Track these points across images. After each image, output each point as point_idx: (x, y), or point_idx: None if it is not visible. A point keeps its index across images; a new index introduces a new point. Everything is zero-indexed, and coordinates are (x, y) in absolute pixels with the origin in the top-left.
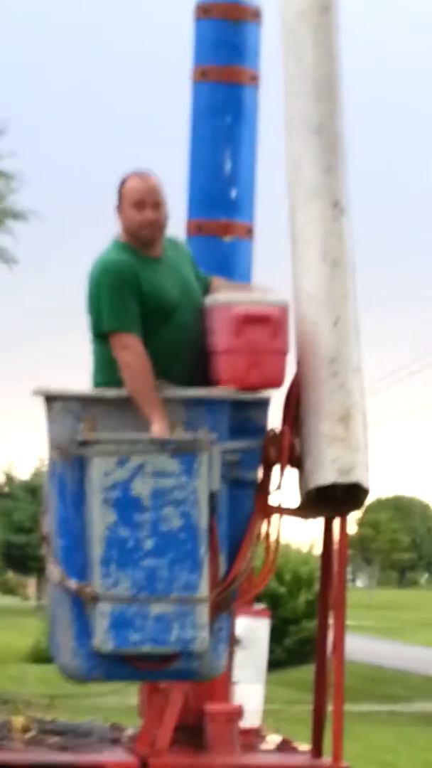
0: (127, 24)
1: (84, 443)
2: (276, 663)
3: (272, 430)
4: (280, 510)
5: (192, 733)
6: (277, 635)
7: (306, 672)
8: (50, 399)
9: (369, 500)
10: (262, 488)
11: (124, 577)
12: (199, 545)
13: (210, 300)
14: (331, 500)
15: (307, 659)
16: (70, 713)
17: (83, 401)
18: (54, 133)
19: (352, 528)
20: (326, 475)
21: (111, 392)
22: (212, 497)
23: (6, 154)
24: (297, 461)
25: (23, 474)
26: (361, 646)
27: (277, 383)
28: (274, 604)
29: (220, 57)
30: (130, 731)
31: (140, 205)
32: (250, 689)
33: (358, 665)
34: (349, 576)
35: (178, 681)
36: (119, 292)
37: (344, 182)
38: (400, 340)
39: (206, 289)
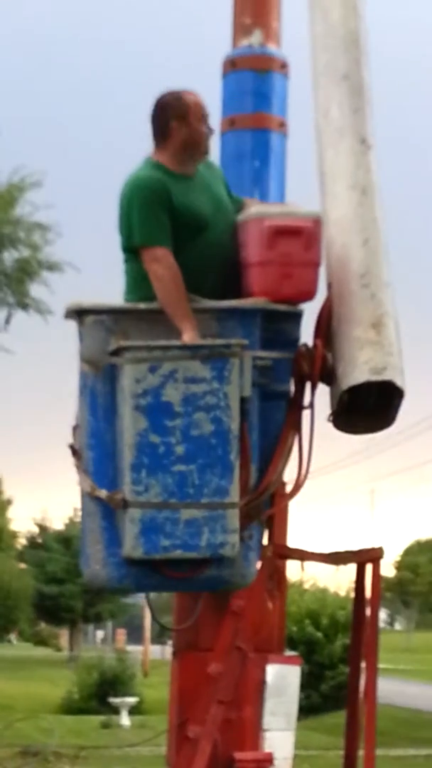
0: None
1: (116, 351)
2: (312, 708)
3: (304, 344)
4: (312, 424)
5: None
6: (313, 680)
7: (343, 717)
8: (82, 313)
9: (407, 543)
10: (295, 402)
11: (154, 482)
12: (230, 450)
13: (243, 214)
14: (365, 418)
15: (344, 704)
16: (99, 765)
17: (115, 314)
18: (90, 185)
19: (390, 571)
20: (359, 375)
21: (142, 305)
22: (243, 403)
23: (42, 205)
24: (329, 375)
25: (57, 524)
26: (399, 690)
27: (309, 295)
28: (311, 649)
29: (247, 105)
30: None
31: (206, 118)
32: (280, 736)
33: (395, 709)
34: (387, 619)
35: (209, 590)
36: (150, 207)
37: (371, 123)
38: None
39: (239, 210)
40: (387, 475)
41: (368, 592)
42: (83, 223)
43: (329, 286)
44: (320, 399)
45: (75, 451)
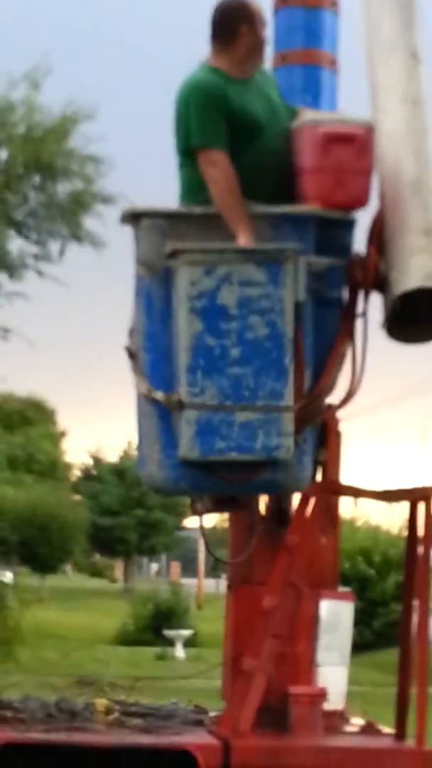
0: None
1: (171, 254)
2: (365, 645)
3: (357, 252)
4: (366, 332)
5: (275, 715)
6: (365, 618)
7: (395, 655)
8: (137, 217)
9: None
10: (348, 310)
11: (210, 384)
12: (285, 354)
13: (297, 121)
14: (418, 327)
15: (396, 642)
16: (154, 696)
17: (170, 218)
18: (143, 117)
19: None
20: (411, 281)
21: (198, 208)
22: (298, 307)
23: (95, 137)
24: (382, 283)
25: (111, 457)
26: None
27: (362, 202)
28: (363, 586)
29: (298, 41)
30: (213, 714)
31: (266, 26)
32: (334, 672)
33: None
34: None
35: (265, 492)
36: (207, 110)
37: (421, 37)
38: None
39: (293, 117)
40: None
41: (420, 530)
42: (137, 155)
43: (381, 196)
44: (374, 311)
45: (131, 354)
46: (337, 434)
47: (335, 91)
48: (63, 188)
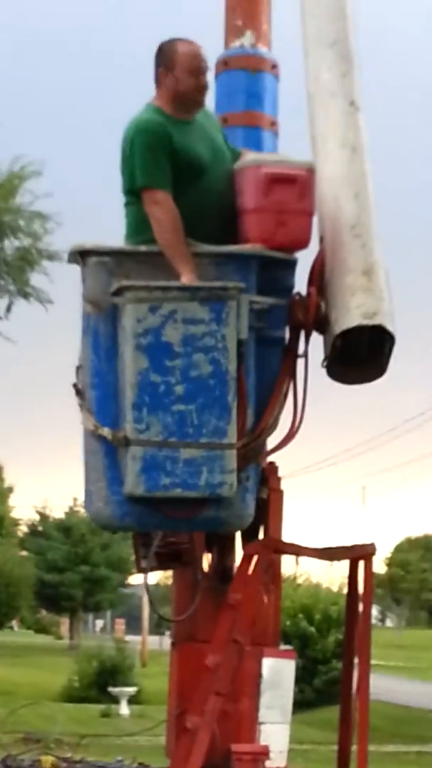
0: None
1: (117, 291)
2: (306, 703)
3: (298, 293)
4: (306, 373)
5: None
6: (306, 675)
7: (336, 712)
8: (84, 254)
9: (397, 540)
10: (290, 350)
11: (155, 421)
12: (228, 391)
13: (239, 162)
14: (357, 369)
15: (337, 699)
16: (100, 753)
17: (117, 256)
18: (90, 173)
19: (381, 568)
20: (351, 319)
21: (143, 247)
22: (240, 345)
23: (42, 194)
24: (323, 323)
25: (58, 513)
26: (390, 687)
27: (303, 243)
28: (304, 643)
29: (239, 104)
30: None
31: (197, 71)
32: (276, 729)
33: (386, 705)
34: (378, 616)
35: (208, 530)
36: (152, 150)
37: (359, 86)
38: (426, 379)
39: (236, 159)
40: (378, 473)
41: (361, 588)
42: (83, 211)
43: (321, 239)
44: (315, 352)
45: (78, 391)
46: (279, 492)
47: (276, 151)
48: (10, 245)
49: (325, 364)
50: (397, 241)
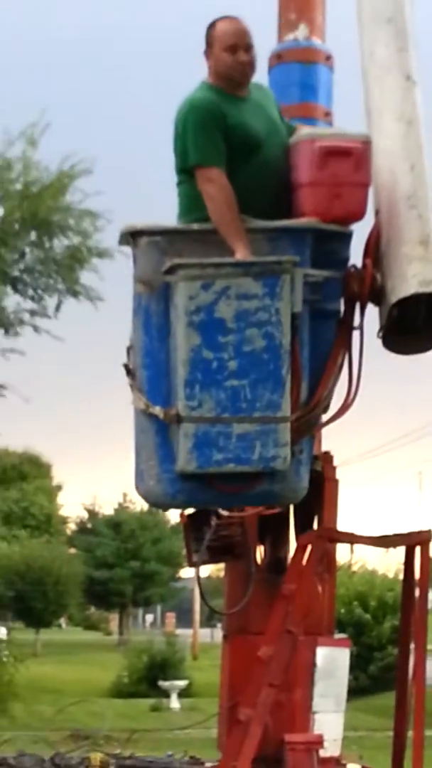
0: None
1: (169, 270)
2: (361, 690)
3: (354, 265)
4: (362, 345)
5: (272, 763)
6: (362, 662)
7: (391, 699)
8: (136, 234)
9: None
10: (345, 322)
11: (207, 397)
12: (282, 365)
13: (294, 136)
14: (414, 339)
15: (393, 686)
16: (150, 748)
17: (169, 235)
18: (141, 172)
19: None
20: (408, 287)
21: (196, 225)
22: (294, 319)
23: (92, 192)
24: (378, 295)
25: (106, 510)
26: None
27: (359, 215)
28: (359, 630)
29: (294, 96)
30: (208, 764)
31: (233, 48)
32: (330, 718)
33: None
34: None
35: (262, 504)
36: (205, 128)
37: (415, 62)
38: None
39: (291, 134)
40: None
41: (417, 574)
42: (133, 210)
43: (377, 212)
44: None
45: (129, 371)
46: (334, 481)
47: None
48: (59, 243)
49: (380, 334)
50: None
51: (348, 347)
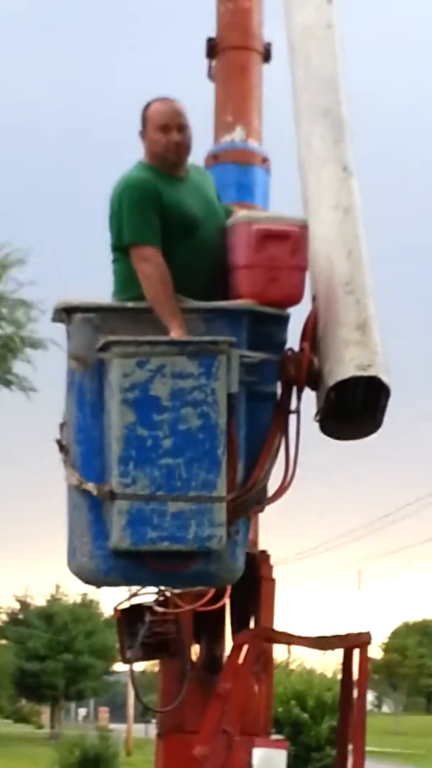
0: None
1: (104, 347)
2: None
3: (291, 348)
4: (298, 426)
5: None
6: (299, 763)
7: None
8: (70, 311)
9: (395, 626)
10: (281, 406)
11: (142, 475)
12: (218, 445)
13: (231, 219)
14: (351, 423)
15: None
16: None
17: (103, 312)
18: (74, 263)
19: (377, 653)
20: (345, 371)
21: (130, 303)
22: (230, 399)
23: (27, 282)
24: (315, 379)
25: (39, 601)
26: None
27: (295, 299)
28: (297, 730)
29: (230, 196)
30: None
31: (165, 128)
32: None
33: None
34: (374, 701)
35: (197, 584)
36: (140, 207)
37: (351, 153)
38: (423, 465)
39: (228, 216)
40: (375, 557)
41: (356, 676)
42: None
43: (315, 294)
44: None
45: (62, 447)
46: (271, 580)
47: None
48: None
49: (317, 417)
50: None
51: (285, 430)
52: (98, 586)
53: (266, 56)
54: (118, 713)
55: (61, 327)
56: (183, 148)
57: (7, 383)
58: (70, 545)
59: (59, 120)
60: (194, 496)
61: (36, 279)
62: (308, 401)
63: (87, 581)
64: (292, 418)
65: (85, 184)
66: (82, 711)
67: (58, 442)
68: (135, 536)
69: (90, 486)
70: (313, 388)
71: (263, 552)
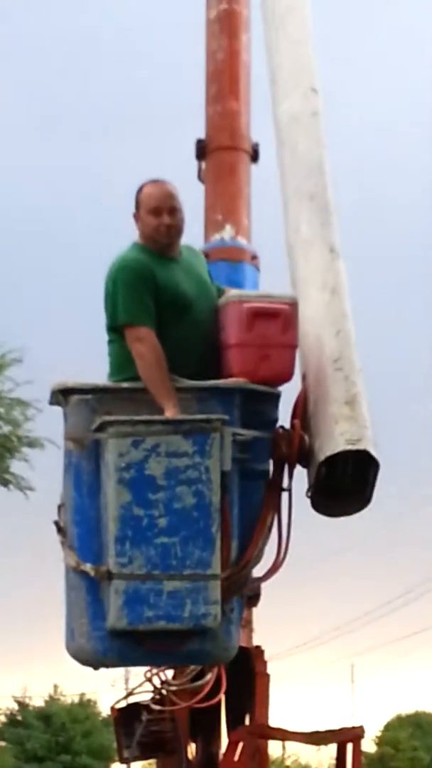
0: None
1: (100, 427)
2: None
3: (282, 426)
4: (290, 504)
5: None
6: None
7: None
8: (67, 392)
9: (388, 718)
10: (273, 484)
11: (138, 554)
12: (212, 523)
13: (223, 298)
14: (342, 499)
15: None
16: None
17: (99, 393)
18: (70, 363)
19: (370, 746)
20: (335, 445)
21: (126, 384)
22: (224, 477)
23: (23, 381)
24: (307, 457)
25: (37, 702)
26: None
27: (286, 376)
28: None
29: None
30: None
31: (157, 211)
32: None
33: None
34: None
35: (192, 663)
36: (134, 288)
37: (337, 235)
38: (413, 557)
39: (220, 296)
40: (367, 650)
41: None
42: None
43: (304, 376)
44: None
45: (60, 528)
46: (265, 676)
47: None
48: None
49: (309, 493)
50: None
51: (277, 508)
52: (96, 667)
53: (254, 156)
54: None
55: (59, 418)
56: (174, 230)
57: (5, 482)
58: (68, 627)
59: (47, 221)
60: (189, 574)
61: (32, 378)
62: (300, 480)
63: (85, 663)
64: (285, 496)
65: (75, 271)
66: None
67: (56, 523)
68: (131, 616)
69: (87, 567)
70: (305, 466)
71: (258, 647)
